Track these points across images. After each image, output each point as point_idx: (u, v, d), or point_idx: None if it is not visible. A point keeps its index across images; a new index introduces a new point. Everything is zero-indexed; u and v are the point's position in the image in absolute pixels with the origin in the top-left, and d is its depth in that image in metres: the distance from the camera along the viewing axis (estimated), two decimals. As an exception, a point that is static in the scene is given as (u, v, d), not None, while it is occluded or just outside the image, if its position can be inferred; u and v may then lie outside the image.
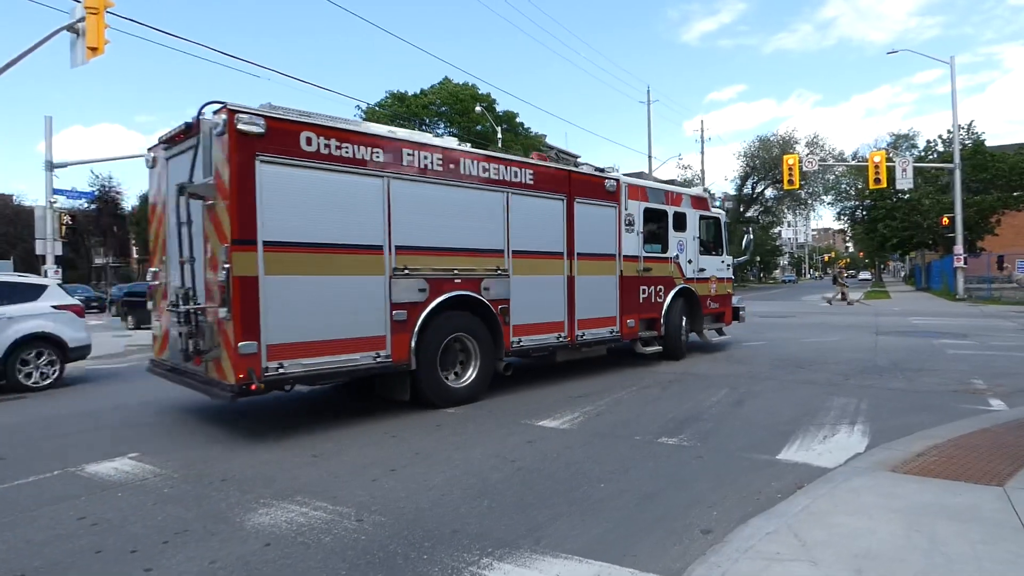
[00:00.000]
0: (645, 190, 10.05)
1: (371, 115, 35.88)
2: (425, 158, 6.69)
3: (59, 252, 18.24)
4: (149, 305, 7.24)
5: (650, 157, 46.15)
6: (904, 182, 26.20)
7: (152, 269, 7.15)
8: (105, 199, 61.39)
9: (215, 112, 5.46)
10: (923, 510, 3.52)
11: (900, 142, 43.99)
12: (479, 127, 35.61)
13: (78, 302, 10.21)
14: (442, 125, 37.22)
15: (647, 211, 9.88)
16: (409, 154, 6.53)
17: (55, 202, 18.38)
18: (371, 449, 5.32)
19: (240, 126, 5.30)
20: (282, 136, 5.57)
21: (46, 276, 17.87)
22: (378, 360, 6.24)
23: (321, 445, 5.48)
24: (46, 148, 17.58)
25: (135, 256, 69.48)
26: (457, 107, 35.26)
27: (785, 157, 27.70)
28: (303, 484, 4.44)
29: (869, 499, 3.72)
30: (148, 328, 19.50)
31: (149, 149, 7.00)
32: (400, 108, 35.25)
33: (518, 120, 37.66)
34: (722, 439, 5.47)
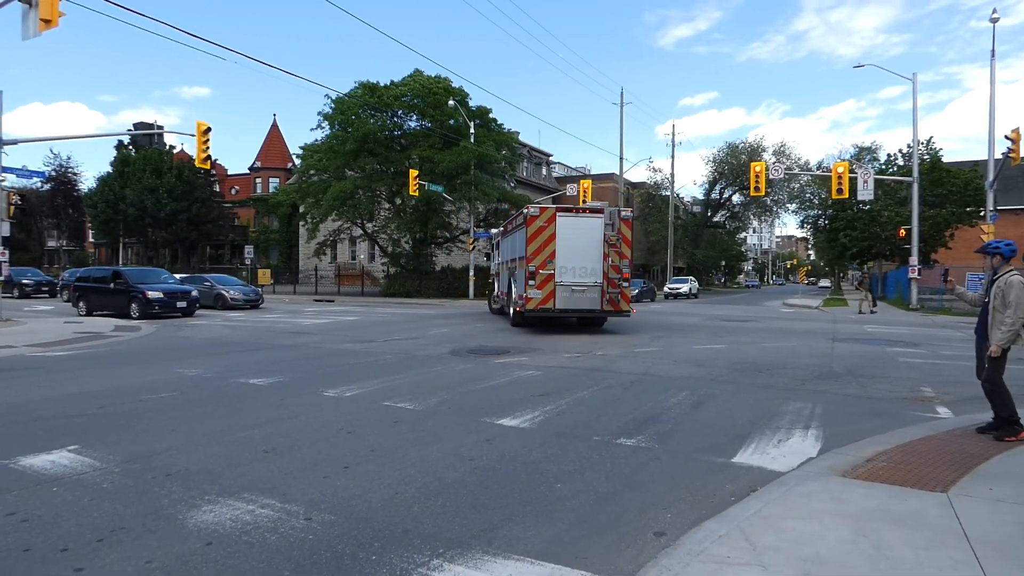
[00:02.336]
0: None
1: (340, 104, 35.28)
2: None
3: (6, 233, 17.51)
4: (531, 282, 14.40)
5: (621, 159, 46.56)
6: (865, 193, 26.92)
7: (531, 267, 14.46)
8: (60, 180, 59.18)
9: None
10: (870, 515, 3.58)
11: (863, 154, 45.22)
12: (452, 121, 35.30)
13: None
14: (414, 118, 36.82)
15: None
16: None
17: (4, 180, 17.62)
18: (325, 445, 5.20)
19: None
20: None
21: (-9, 258, 17.10)
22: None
23: (274, 440, 5.34)
24: (-5, 124, 16.80)
25: (91, 240, 67.08)
26: (429, 100, 34.83)
27: (752, 164, 28.19)
28: (252, 480, 4.31)
29: (819, 504, 3.77)
30: (103, 314, 19.00)
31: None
32: (371, 99, 34.70)
33: (491, 116, 37.38)
34: (680, 441, 5.50)
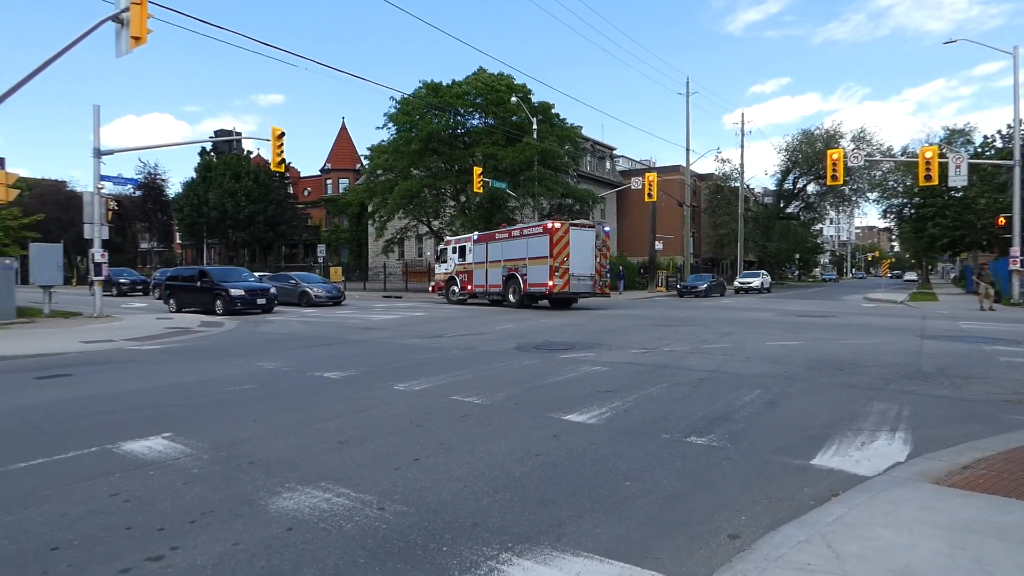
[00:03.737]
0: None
1: (405, 105, 36.02)
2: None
3: (105, 236, 18.86)
4: (556, 274, 21.39)
5: (688, 150, 45.42)
6: (958, 179, 25.17)
7: (558, 264, 21.40)
8: (150, 186, 63.26)
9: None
10: (968, 527, 3.34)
11: (955, 137, 42.25)
12: (515, 118, 35.41)
13: None
14: (477, 116, 37.18)
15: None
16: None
17: (102, 188, 18.98)
18: (396, 438, 5.34)
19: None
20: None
21: (94, 259, 18.50)
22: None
23: (347, 432, 5.52)
24: (94, 136, 18.15)
25: (178, 241, 71.42)
26: (492, 97, 35.07)
27: (829, 152, 26.86)
28: (327, 470, 4.47)
29: (909, 512, 3.55)
30: (190, 311, 20.22)
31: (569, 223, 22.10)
32: (434, 99, 35.27)
33: (554, 111, 37.29)
34: (753, 441, 5.32)
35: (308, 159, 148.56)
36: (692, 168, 47.64)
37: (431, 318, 18.77)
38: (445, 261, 28.43)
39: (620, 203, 58.18)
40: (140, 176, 60.32)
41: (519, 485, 4.20)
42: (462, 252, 26.95)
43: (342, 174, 63.51)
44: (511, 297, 23.76)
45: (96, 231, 18.37)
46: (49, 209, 43.66)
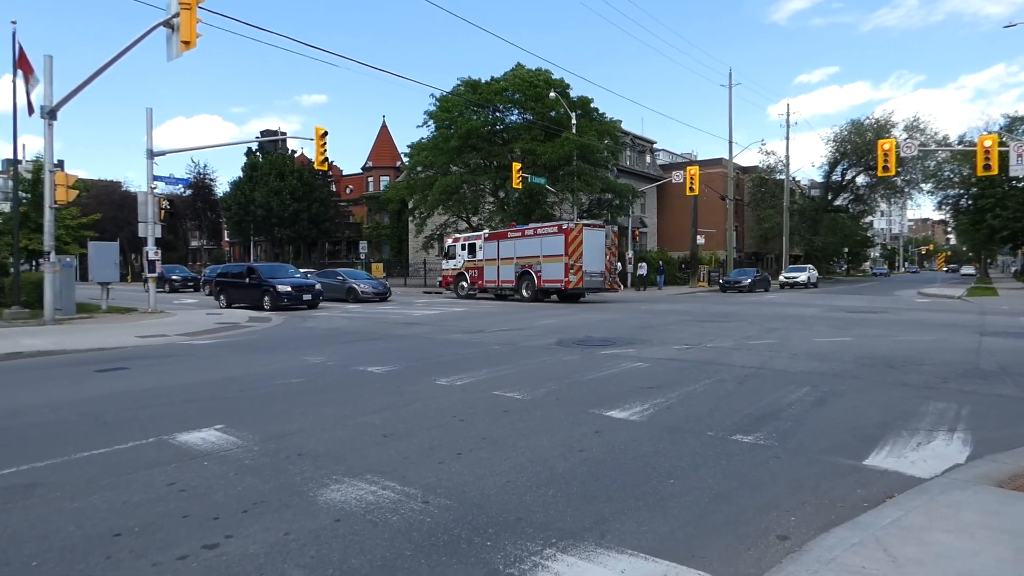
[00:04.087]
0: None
1: (444, 102, 36.23)
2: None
3: (158, 235, 19.57)
4: (571, 271, 23.02)
5: (731, 142, 44.37)
6: (1020, 168, 23.92)
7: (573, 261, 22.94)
8: (200, 185, 65.39)
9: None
10: (1034, 530, 3.19)
11: (1016, 125, 40.17)
12: (553, 113, 35.24)
13: None
14: (515, 112, 37.15)
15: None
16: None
17: (155, 188, 19.71)
18: (439, 432, 5.39)
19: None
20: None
21: (147, 256, 19.24)
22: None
23: (392, 426, 5.61)
24: (147, 138, 18.85)
25: (226, 239, 73.63)
26: (530, 93, 34.95)
27: (880, 142, 25.89)
28: (373, 463, 4.55)
29: (971, 516, 3.41)
30: (239, 307, 20.84)
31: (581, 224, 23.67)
32: (473, 95, 35.37)
33: (593, 106, 36.93)
34: (802, 440, 5.19)
35: (350, 157, 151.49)
36: (735, 161, 46.57)
37: (471, 314, 18.88)
38: (453, 257, 29.59)
39: (660, 197, 57.37)
40: (190, 176, 62.46)
41: (562, 481, 4.19)
42: (472, 249, 28.25)
43: (383, 172, 64.38)
44: (524, 292, 25.23)
45: (150, 230, 19.08)
46: (105, 209, 45.55)
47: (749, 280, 35.85)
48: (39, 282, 16.60)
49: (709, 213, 49.02)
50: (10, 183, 21.88)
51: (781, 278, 43.28)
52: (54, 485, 4.15)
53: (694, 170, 33.30)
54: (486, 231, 29.20)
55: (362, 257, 50.70)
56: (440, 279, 31.29)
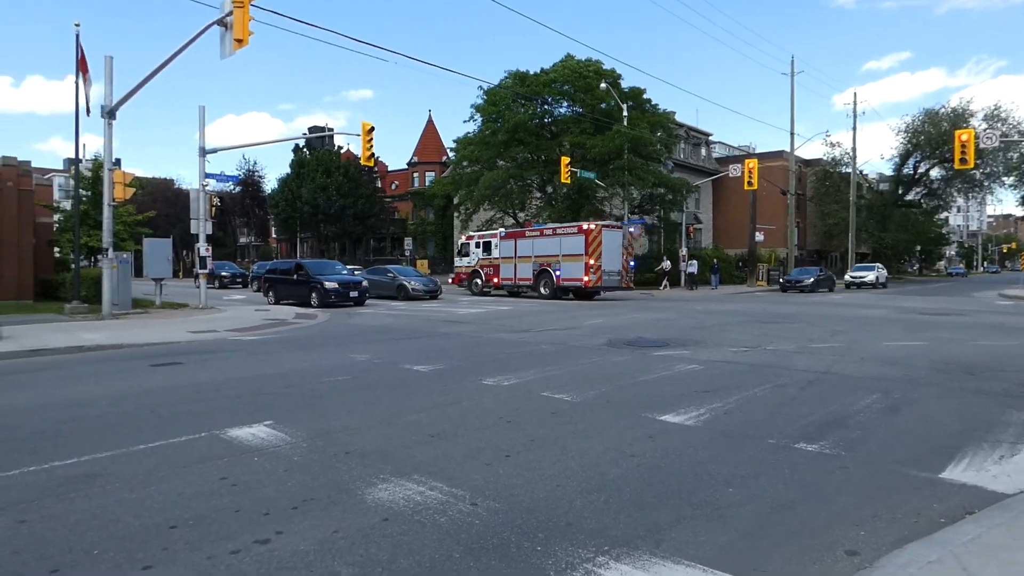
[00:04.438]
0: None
1: (491, 95, 36.38)
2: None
3: (209, 231, 20.34)
4: (591, 270, 24.34)
5: (792, 134, 43.10)
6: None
7: (593, 261, 24.32)
8: (248, 182, 67.63)
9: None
10: None
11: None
12: (603, 105, 34.93)
13: None
14: (564, 104, 36.99)
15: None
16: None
17: (207, 185, 20.49)
18: (486, 433, 5.43)
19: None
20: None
21: (199, 253, 20.02)
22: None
23: (438, 425, 5.67)
24: (199, 136, 19.62)
25: (273, 236, 75.95)
26: (580, 84, 34.72)
27: (957, 132, 24.68)
28: (420, 463, 4.61)
29: (1062, 535, 3.22)
30: (287, 303, 21.46)
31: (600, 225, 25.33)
32: (521, 88, 35.37)
33: (645, 97, 36.44)
34: (872, 449, 5.00)
35: (395, 153, 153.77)
36: (797, 153, 45.20)
37: (518, 312, 18.93)
38: (467, 255, 30.82)
39: (716, 192, 56.22)
40: (240, 173, 64.67)
41: (614, 486, 4.16)
42: (487, 247, 29.61)
43: (428, 167, 65.18)
44: (543, 289, 26.62)
45: (201, 226, 19.86)
46: (159, 206, 47.64)
47: (811, 279, 34.77)
48: (98, 278, 17.51)
49: (768, 209, 47.76)
50: (71, 181, 23.14)
51: (847, 277, 41.83)
52: (114, 476, 4.36)
53: (752, 163, 32.50)
54: (502, 230, 30.54)
55: (407, 254, 51.52)
56: (452, 276, 32.47)
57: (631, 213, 36.20)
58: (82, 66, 16.28)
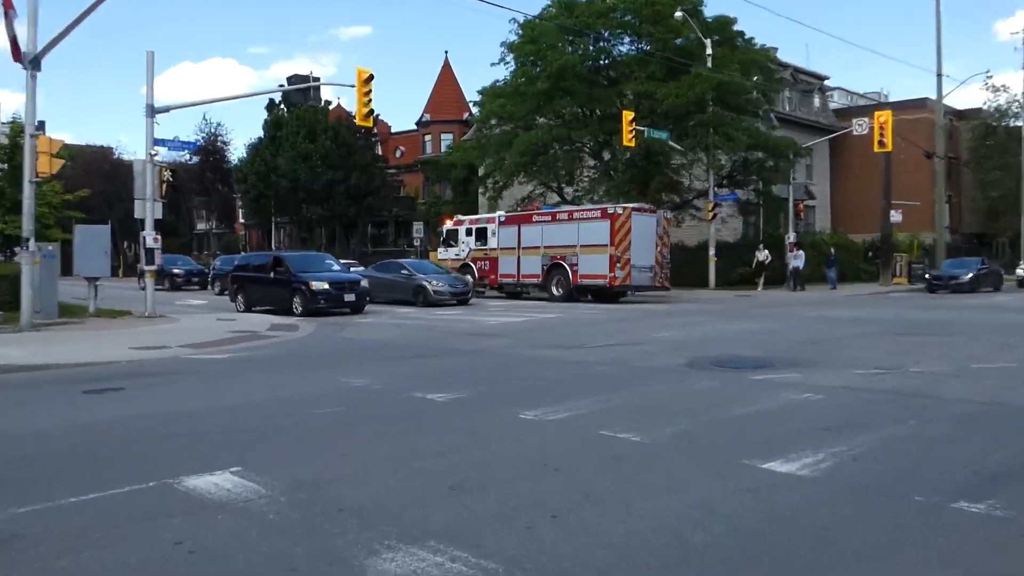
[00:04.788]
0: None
1: (529, 30, 36.41)
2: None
3: (159, 215, 20.75)
4: (618, 264, 25.23)
5: (939, 76, 42.20)
6: None
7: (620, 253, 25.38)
8: (210, 150, 68.98)
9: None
10: None
11: None
12: (679, 40, 34.70)
13: None
14: (626, 40, 36.86)
15: None
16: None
17: (156, 154, 20.90)
18: (525, 484, 5.41)
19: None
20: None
21: (144, 244, 20.49)
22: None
23: (461, 473, 5.67)
24: (147, 90, 20.11)
25: (241, 221, 77.43)
26: (647, 13, 34.49)
27: None
28: (437, 525, 4.61)
29: None
30: (261, 310, 21.73)
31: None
32: (568, 19, 35.30)
33: (736, 28, 36.10)
34: (1063, 512, 4.82)
35: (401, 110, 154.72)
36: (946, 102, 44.25)
37: (566, 321, 18.92)
38: (454, 245, 31.73)
39: (835, 156, 55.37)
40: (198, 138, 66.02)
41: (699, 559, 4.10)
42: (481, 235, 30.58)
43: (444, 127, 65.62)
44: (555, 289, 27.68)
45: (148, 209, 20.23)
46: (94, 182, 48.76)
47: (970, 275, 33.96)
48: (15, 277, 17.78)
49: (908, 179, 46.70)
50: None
51: (1018, 272, 40.73)
52: (38, 537, 4.46)
53: (885, 116, 31.93)
54: (501, 213, 31.44)
55: (416, 243, 51.92)
56: None
57: (718, 186, 35.91)
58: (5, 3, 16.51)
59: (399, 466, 5.93)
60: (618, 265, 25.25)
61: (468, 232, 31.29)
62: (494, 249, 29.80)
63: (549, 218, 28.50)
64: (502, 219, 30.23)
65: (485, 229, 30.44)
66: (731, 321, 18.50)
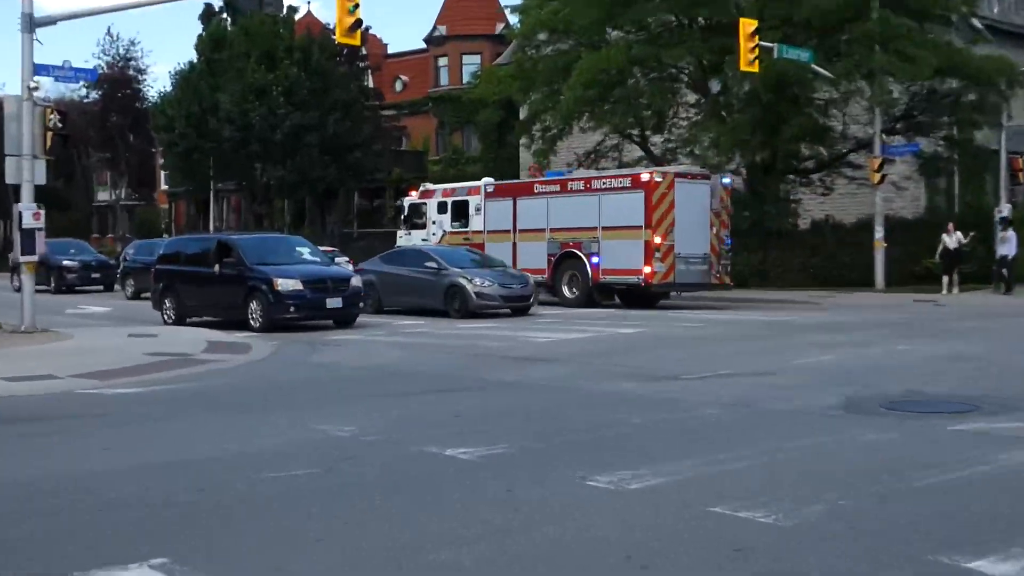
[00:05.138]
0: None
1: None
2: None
3: (42, 179, 20.72)
4: (656, 255, 25.53)
5: None
6: None
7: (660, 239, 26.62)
8: (118, 82, 69.53)
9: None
10: None
11: None
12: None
13: None
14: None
15: None
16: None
17: (36, 87, 20.96)
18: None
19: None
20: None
21: (19, 222, 20.72)
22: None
23: (496, 572, 5.62)
24: (25, -7, 20.04)
25: (164, 187, 77.96)
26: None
27: None
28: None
29: None
30: (201, 320, 21.68)
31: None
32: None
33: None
34: None
35: (401, 20, 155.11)
36: None
37: (654, 337, 18.83)
38: (420, 227, 32.82)
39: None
40: (101, 64, 66.59)
41: None
42: (459, 212, 31.59)
43: (467, 45, 65.63)
44: (566, 290, 28.34)
45: (26, 170, 20.18)
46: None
47: None
48: None
49: None
50: None
51: None
52: None
53: None
54: (488, 181, 32.03)
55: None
56: None
57: (888, 133, 35.48)
58: None
59: (402, 560, 5.87)
60: (658, 255, 25.74)
61: (440, 208, 31.93)
62: (478, 232, 30.31)
63: (558, 188, 28.85)
64: (490, 188, 30.67)
65: (465, 203, 31.02)
66: (909, 340, 18.28)
